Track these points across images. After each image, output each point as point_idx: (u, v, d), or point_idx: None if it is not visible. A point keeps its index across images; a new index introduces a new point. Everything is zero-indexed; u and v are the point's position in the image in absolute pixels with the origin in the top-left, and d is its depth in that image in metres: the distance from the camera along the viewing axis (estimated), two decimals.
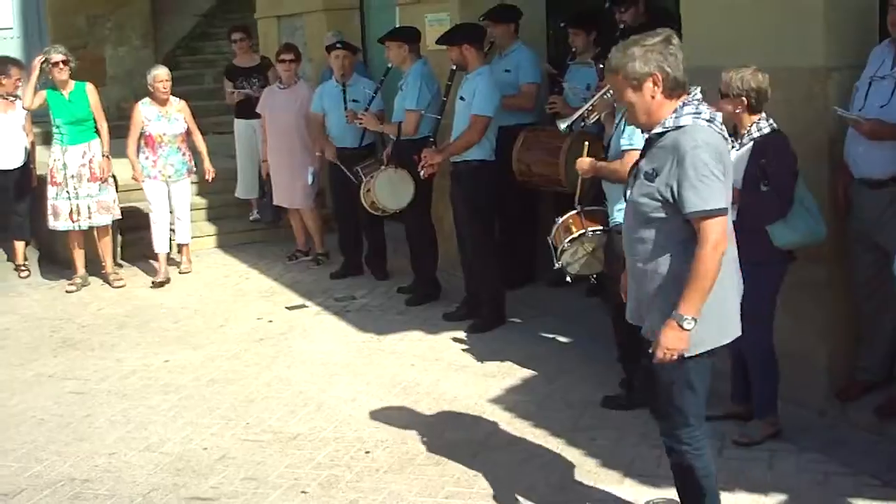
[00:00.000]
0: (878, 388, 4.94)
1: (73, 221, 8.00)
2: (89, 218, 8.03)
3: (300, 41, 9.73)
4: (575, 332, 6.40)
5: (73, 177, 7.95)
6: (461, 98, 6.48)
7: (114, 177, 8.24)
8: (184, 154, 8.28)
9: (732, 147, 4.60)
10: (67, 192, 7.96)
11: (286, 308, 7.46)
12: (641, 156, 3.54)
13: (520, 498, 4.34)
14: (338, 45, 7.88)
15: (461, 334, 6.53)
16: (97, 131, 8.07)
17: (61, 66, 7.94)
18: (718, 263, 3.29)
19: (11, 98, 8.33)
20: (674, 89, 3.36)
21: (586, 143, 5.14)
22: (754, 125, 4.52)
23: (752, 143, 4.52)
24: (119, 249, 8.73)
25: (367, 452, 4.87)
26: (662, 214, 3.37)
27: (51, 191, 8.01)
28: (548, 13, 7.71)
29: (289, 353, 6.44)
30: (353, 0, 9.68)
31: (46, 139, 8.73)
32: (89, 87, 8.11)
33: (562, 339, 6.37)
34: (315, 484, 4.57)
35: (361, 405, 5.47)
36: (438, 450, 4.84)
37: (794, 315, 4.88)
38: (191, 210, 8.65)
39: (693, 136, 3.29)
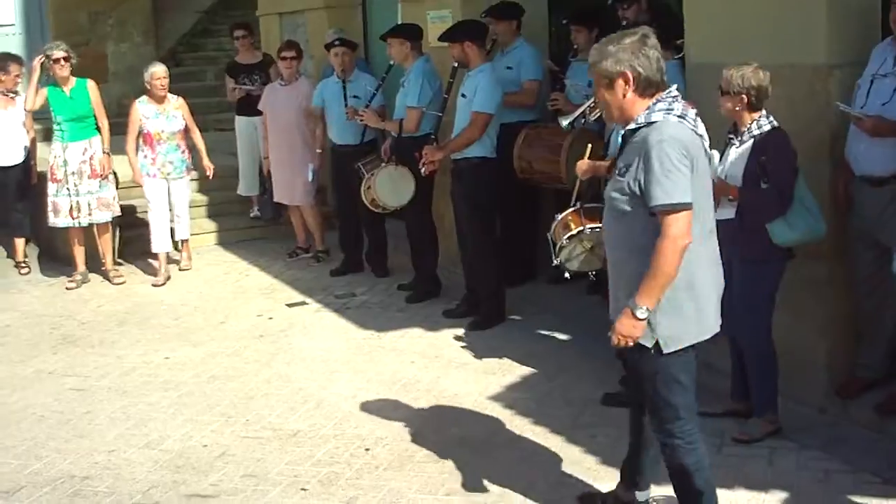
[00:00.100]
0: (879, 385, 4.93)
1: (73, 218, 8.00)
2: (89, 215, 8.03)
3: (302, 38, 9.73)
4: (575, 329, 6.40)
5: (73, 173, 7.94)
6: (462, 95, 6.47)
7: (114, 173, 8.23)
8: (183, 151, 8.27)
9: (732, 144, 4.60)
10: (68, 188, 7.96)
11: (286, 305, 7.45)
12: (619, 153, 3.59)
13: (519, 495, 4.33)
14: (336, 43, 7.88)
15: (461, 331, 6.53)
16: (98, 128, 8.07)
17: (62, 62, 7.94)
18: (679, 257, 3.32)
19: (11, 94, 8.33)
20: (647, 88, 3.42)
21: (589, 145, 5.13)
22: (755, 123, 4.51)
23: (752, 140, 4.51)
24: (117, 247, 8.70)
25: (367, 449, 4.87)
26: (631, 208, 3.43)
27: (51, 187, 8.01)
28: (550, 10, 7.69)
29: (289, 350, 6.44)
30: None
31: (47, 136, 8.73)
32: (90, 84, 8.11)
33: (562, 336, 6.37)
34: (315, 481, 4.57)
35: (361, 402, 5.47)
36: (438, 447, 4.84)
37: (795, 312, 4.88)
38: (191, 207, 8.64)
39: (660, 130, 3.34)
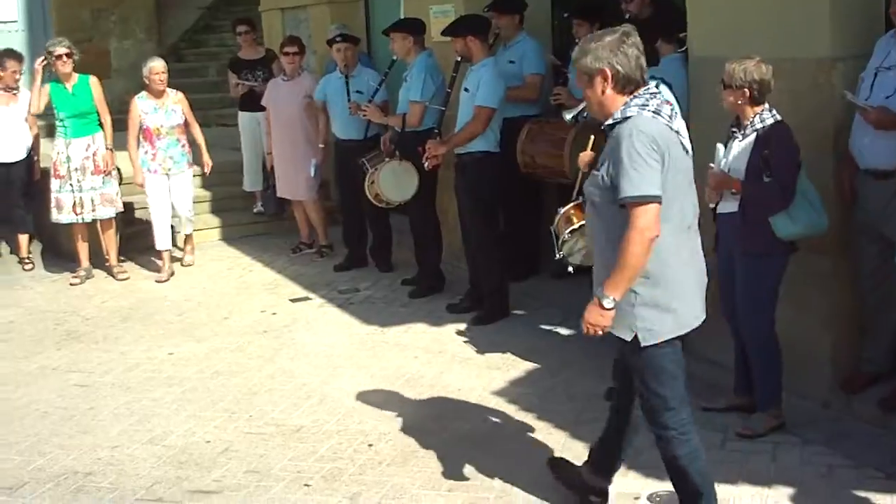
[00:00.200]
0: (883, 379, 4.92)
1: (76, 214, 8.00)
2: (93, 211, 8.03)
3: (304, 33, 9.72)
4: (578, 324, 6.34)
5: (76, 170, 7.94)
6: (465, 89, 6.46)
7: (118, 169, 8.23)
8: (183, 146, 8.25)
9: (735, 138, 4.59)
10: (71, 184, 7.96)
11: (290, 300, 7.45)
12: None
13: (522, 491, 4.32)
14: (338, 38, 7.86)
15: (465, 326, 6.53)
16: (101, 124, 8.07)
17: (65, 59, 7.94)
18: (646, 249, 3.36)
19: (13, 91, 8.33)
20: (626, 85, 3.47)
21: (592, 136, 5.12)
22: (757, 116, 4.50)
23: (755, 134, 4.49)
24: (120, 243, 8.70)
25: (370, 445, 4.87)
26: (604, 201, 3.48)
27: (54, 184, 8.01)
28: (553, 4, 7.67)
29: (292, 346, 6.44)
30: None
31: (50, 132, 8.73)
32: (93, 80, 8.10)
33: (565, 331, 6.36)
34: (318, 477, 4.56)
35: (365, 398, 5.46)
36: (441, 442, 4.83)
37: (798, 306, 4.86)
38: (194, 202, 8.63)
39: (632, 124, 3.39)
